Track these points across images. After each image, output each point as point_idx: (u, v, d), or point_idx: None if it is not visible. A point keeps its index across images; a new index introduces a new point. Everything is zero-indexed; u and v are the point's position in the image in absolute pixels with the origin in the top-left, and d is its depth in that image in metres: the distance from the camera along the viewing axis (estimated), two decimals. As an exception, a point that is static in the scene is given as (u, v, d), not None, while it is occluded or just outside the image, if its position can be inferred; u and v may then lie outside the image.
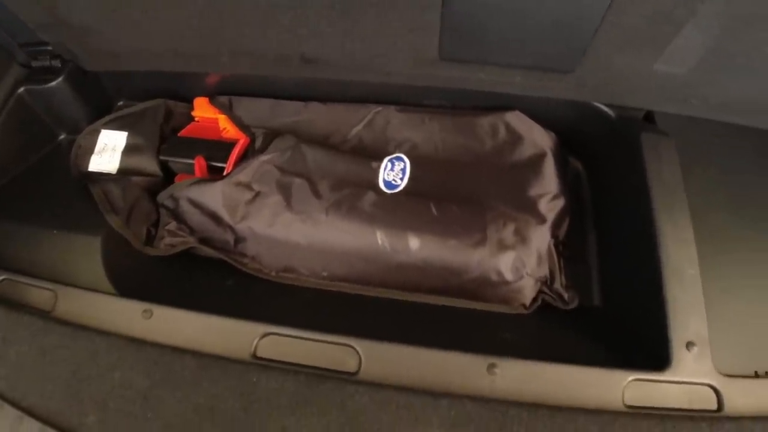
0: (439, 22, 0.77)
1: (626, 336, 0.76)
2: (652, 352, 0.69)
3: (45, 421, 0.66)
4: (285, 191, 0.88)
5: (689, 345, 0.67)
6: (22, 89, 1.02)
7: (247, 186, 0.88)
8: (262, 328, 0.71)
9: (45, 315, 0.77)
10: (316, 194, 0.87)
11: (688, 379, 0.65)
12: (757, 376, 0.67)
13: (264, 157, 0.90)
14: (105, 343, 0.71)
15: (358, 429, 0.62)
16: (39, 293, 0.80)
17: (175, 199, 0.90)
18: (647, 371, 0.66)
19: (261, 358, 0.70)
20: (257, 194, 0.88)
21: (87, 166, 0.99)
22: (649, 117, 0.90)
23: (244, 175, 0.88)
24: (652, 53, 0.77)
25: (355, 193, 0.88)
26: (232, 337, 0.71)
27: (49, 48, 1.01)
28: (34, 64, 1.04)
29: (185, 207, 0.90)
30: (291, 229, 0.86)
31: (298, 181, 0.89)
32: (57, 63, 1.04)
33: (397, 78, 0.93)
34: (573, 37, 0.76)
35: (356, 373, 0.68)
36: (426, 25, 0.79)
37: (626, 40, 0.75)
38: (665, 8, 0.69)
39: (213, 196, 0.87)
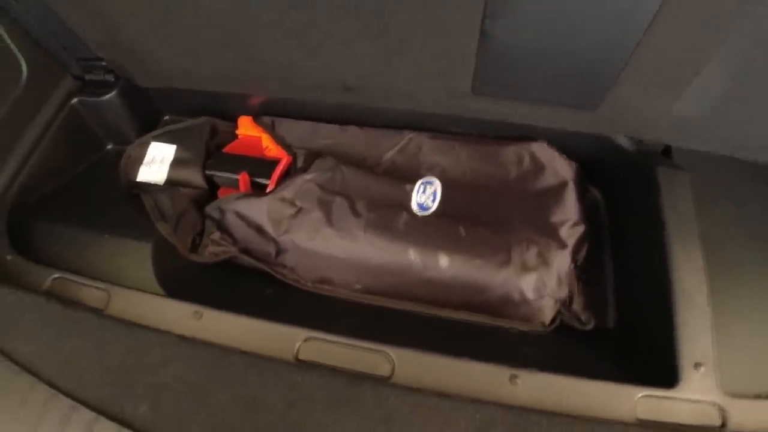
0: (473, 61, 0.82)
1: (638, 355, 0.79)
2: (662, 371, 0.72)
3: (98, 410, 0.68)
4: (326, 208, 0.93)
5: (697, 365, 0.70)
6: (75, 100, 1.08)
7: (291, 202, 0.94)
8: (304, 332, 0.76)
9: (98, 312, 0.81)
10: (355, 213, 0.93)
11: (694, 397, 0.69)
12: (760, 397, 0.70)
13: (307, 176, 0.96)
14: (158, 339, 0.75)
15: (392, 428, 0.66)
16: (92, 292, 0.84)
17: (222, 211, 0.96)
18: (657, 388, 0.70)
19: (302, 361, 0.74)
20: (300, 210, 0.94)
21: (136, 176, 1.05)
22: (666, 151, 0.94)
23: (288, 191, 0.94)
24: (671, 95, 0.80)
25: (390, 213, 0.93)
26: (276, 340, 0.75)
27: (104, 63, 1.06)
28: (88, 77, 1.09)
29: (231, 219, 0.95)
30: (330, 244, 0.91)
31: (338, 199, 0.94)
32: (110, 77, 1.09)
33: (431, 108, 0.98)
34: (597, 79, 0.80)
35: (389, 377, 0.72)
36: (462, 62, 0.83)
37: (646, 83, 0.79)
38: (684, 55, 0.73)
39: (259, 209, 0.93)
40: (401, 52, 0.85)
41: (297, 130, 1.09)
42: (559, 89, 0.85)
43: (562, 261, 0.88)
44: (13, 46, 0.97)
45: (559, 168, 0.98)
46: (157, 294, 0.85)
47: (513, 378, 0.71)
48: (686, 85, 0.78)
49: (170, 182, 1.04)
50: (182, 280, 0.94)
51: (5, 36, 0.96)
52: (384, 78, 0.92)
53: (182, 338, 0.76)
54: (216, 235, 0.96)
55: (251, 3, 0.82)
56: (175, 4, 0.85)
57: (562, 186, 0.96)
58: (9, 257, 0.90)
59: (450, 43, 0.80)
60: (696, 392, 0.70)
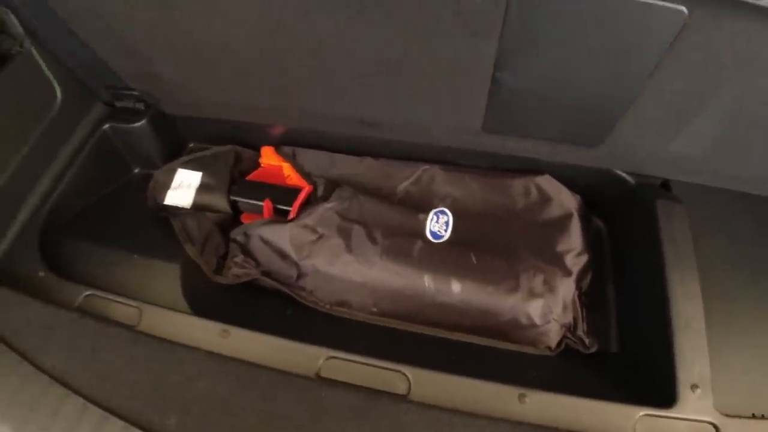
0: (484, 103, 0.87)
1: (639, 377, 0.83)
2: (660, 392, 0.76)
3: (128, 420, 0.71)
4: (345, 235, 0.98)
5: (693, 387, 0.75)
6: (106, 126, 1.13)
7: (312, 229, 0.99)
8: (326, 351, 0.80)
9: (130, 329, 0.84)
10: (372, 240, 0.98)
11: (691, 417, 0.73)
12: (754, 417, 0.75)
13: (327, 205, 1.01)
14: (188, 355, 0.79)
15: (410, 441, 0.70)
16: (124, 309, 0.87)
17: (248, 236, 1.01)
18: (656, 408, 0.74)
19: (324, 378, 0.78)
20: (320, 236, 0.98)
21: (163, 200, 1.10)
22: (665, 184, 0.99)
23: (310, 219, 0.99)
24: (668, 136, 0.85)
25: (405, 241, 0.98)
26: (300, 358, 0.79)
27: (134, 93, 1.12)
28: (118, 104, 1.15)
29: (256, 243, 1.00)
30: (349, 269, 0.96)
31: (356, 227, 0.99)
32: (140, 106, 1.15)
33: (444, 142, 1.04)
34: (599, 122, 0.85)
35: (406, 395, 0.76)
36: (473, 103, 0.88)
37: (645, 125, 0.84)
38: (681, 103, 0.78)
39: (282, 235, 0.97)
40: (418, 94, 0.90)
41: (316, 160, 1.15)
42: (563, 130, 0.91)
43: (567, 288, 0.93)
44: (48, 74, 1.03)
45: (565, 200, 1.03)
46: (185, 312, 0.89)
47: (522, 397, 0.75)
48: (683, 128, 0.83)
49: (196, 206, 1.09)
50: (207, 300, 0.98)
51: (41, 64, 1.01)
52: (400, 116, 0.98)
53: (210, 354, 0.79)
54: (239, 258, 1.01)
55: (278, 46, 0.86)
56: (205, 44, 0.90)
57: (567, 217, 1.01)
58: (41, 274, 0.94)
59: (463, 88, 0.86)
60: (693, 412, 0.74)
